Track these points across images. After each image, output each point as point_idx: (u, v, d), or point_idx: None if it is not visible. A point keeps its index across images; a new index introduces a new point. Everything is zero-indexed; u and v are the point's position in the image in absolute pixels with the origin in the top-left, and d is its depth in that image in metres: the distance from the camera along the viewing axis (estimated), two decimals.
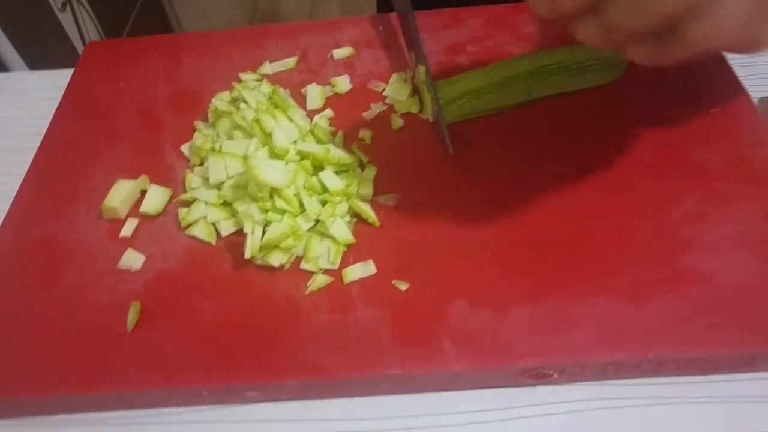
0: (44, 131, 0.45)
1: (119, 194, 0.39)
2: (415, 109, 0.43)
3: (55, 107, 0.47)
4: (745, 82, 0.41)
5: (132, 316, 0.33)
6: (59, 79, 0.52)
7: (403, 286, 0.33)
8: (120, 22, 1.32)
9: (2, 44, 0.85)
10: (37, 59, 0.97)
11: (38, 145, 0.44)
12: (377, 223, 0.37)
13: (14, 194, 0.41)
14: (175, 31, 1.60)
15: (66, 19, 1.10)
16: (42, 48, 1.02)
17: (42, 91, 0.53)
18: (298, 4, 2.15)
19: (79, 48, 1.13)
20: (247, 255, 0.34)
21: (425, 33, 0.48)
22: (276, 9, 2.08)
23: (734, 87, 0.41)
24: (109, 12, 1.25)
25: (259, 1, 2.18)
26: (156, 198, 0.39)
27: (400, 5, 0.44)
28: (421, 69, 0.40)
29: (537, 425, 0.30)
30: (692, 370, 0.31)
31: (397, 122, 0.42)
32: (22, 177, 0.42)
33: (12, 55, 0.88)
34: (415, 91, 0.44)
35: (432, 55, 0.46)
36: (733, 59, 0.43)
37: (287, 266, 0.35)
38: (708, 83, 0.41)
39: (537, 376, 0.31)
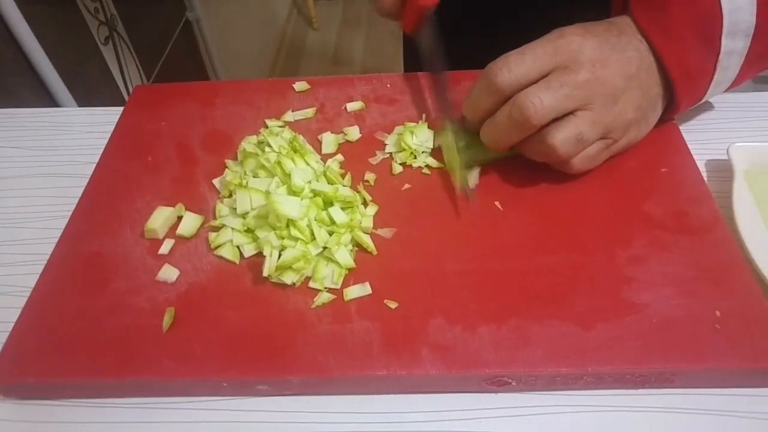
0: (94, 161, 0.51)
1: (159, 218, 0.45)
2: (410, 160, 0.49)
3: (103, 140, 0.53)
4: (693, 147, 0.47)
5: (167, 319, 0.39)
6: (106, 115, 0.59)
7: (393, 305, 0.39)
8: (156, 54, 1.40)
9: (52, 78, 0.94)
10: (81, 90, 1.05)
11: (90, 172, 0.50)
12: (375, 252, 0.43)
13: (69, 213, 0.47)
14: (206, 63, 1.70)
15: (108, 53, 1.19)
16: (85, 80, 1.10)
17: (91, 125, 0.59)
18: (322, 36, 2.26)
19: (118, 78, 1.22)
20: (265, 273, 0.40)
21: (428, 91, 0.55)
22: (302, 42, 2.18)
23: (682, 150, 0.47)
24: (147, 44, 1.34)
25: (286, 30, 2.30)
26: (190, 223, 0.45)
27: (431, 68, 0.52)
28: (449, 134, 0.46)
29: (496, 425, 0.36)
30: (625, 384, 0.36)
31: (397, 168, 0.48)
32: (76, 199, 0.48)
33: (60, 87, 0.96)
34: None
35: (432, 111, 0.53)
36: (683, 126, 0.50)
37: (298, 284, 0.41)
38: (659, 146, 0.48)
39: (498, 384, 0.37)
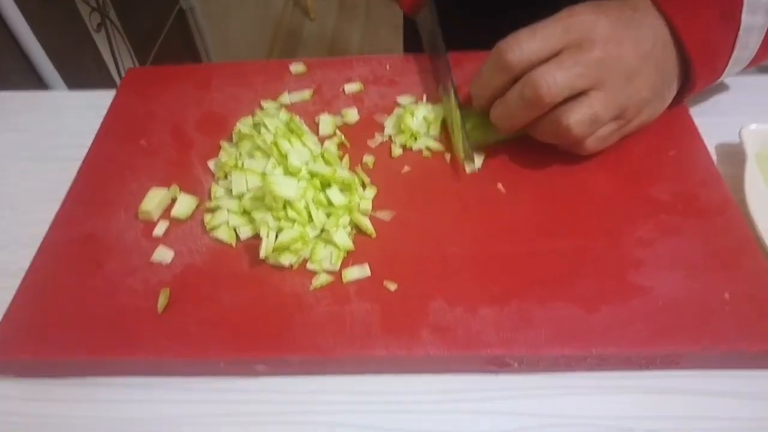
0: (87, 143, 0.50)
1: (153, 200, 0.44)
2: (410, 142, 0.48)
3: (95, 124, 0.52)
4: (703, 130, 0.47)
5: (162, 300, 0.38)
6: (98, 99, 0.58)
7: (392, 287, 0.39)
8: (149, 43, 1.38)
9: (44, 63, 0.92)
10: (73, 76, 1.04)
11: (83, 155, 0.49)
12: (373, 234, 0.42)
13: (62, 196, 0.46)
14: (200, 52, 1.68)
15: (100, 40, 1.17)
16: (77, 66, 1.08)
17: (83, 108, 0.58)
18: (319, 26, 2.24)
19: (111, 66, 1.20)
20: (262, 255, 0.39)
21: (429, 74, 0.54)
22: (299, 32, 2.16)
23: (691, 133, 0.46)
24: (140, 31, 1.32)
25: (282, 21, 2.28)
26: (185, 204, 0.44)
27: (433, 49, 0.51)
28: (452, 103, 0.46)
29: (497, 407, 0.36)
30: (629, 366, 0.36)
31: (396, 151, 0.48)
32: (69, 182, 0.47)
33: (52, 74, 0.94)
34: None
35: (435, 93, 0.53)
36: (692, 110, 0.49)
37: (295, 266, 0.40)
38: (669, 129, 0.47)
39: (499, 365, 0.36)
